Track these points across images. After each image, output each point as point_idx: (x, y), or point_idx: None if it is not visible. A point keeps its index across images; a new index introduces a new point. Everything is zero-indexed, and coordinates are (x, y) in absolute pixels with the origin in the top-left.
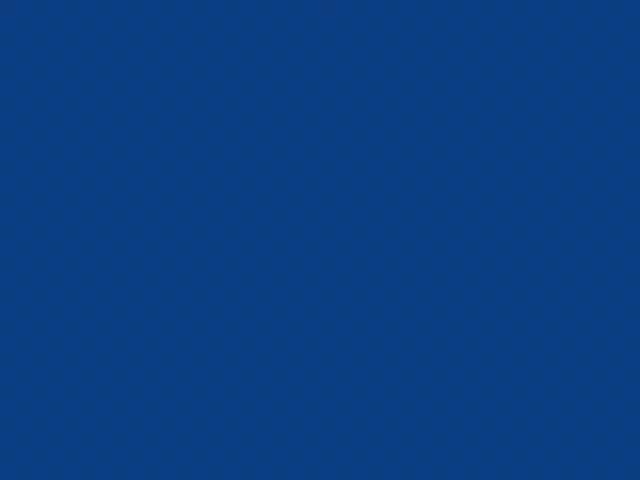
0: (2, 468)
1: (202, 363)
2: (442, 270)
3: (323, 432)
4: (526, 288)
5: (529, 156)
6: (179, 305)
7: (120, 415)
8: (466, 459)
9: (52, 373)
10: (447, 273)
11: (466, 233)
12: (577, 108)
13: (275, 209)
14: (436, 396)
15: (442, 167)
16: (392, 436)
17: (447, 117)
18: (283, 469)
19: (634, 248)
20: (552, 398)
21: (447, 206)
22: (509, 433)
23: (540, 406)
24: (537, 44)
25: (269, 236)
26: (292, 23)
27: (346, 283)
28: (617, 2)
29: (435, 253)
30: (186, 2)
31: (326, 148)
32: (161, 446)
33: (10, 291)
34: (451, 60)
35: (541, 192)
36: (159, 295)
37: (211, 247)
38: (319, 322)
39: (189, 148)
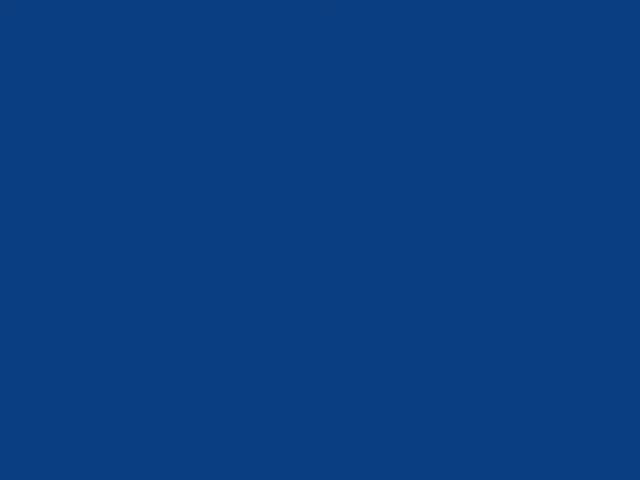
0: (2, 468)
1: (202, 363)
2: (442, 270)
3: (323, 432)
4: (526, 288)
5: (529, 156)
6: (179, 305)
7: (120, 415)
8: (466, 459)
9: (52, 373)
10: (447, 273)
11: (466, 233)
12: (577, 108)
13: (275, 209)
14: (435, 396)
15: (442, 167)
16: (392, 436)
17: (447, 117)
18: (283, 469)
19: (634, 248)
20: (552, 398)
21: (447, 206)
22: (509, 433)
23: (540, 406)
24: (537, 44)
25: (269, 236)
26: (291, 23)
27: (346, 283)
28: (617, 2)
29: (435, 253)
30: (186, 2)
31: (326, 148)
32: (161, 446)
33: (10, 291)
34: (451, 60)
35: (541, 192)
36: (159, 295)
37: (211, 247)
38: (319, 322)
39: (189, 148)
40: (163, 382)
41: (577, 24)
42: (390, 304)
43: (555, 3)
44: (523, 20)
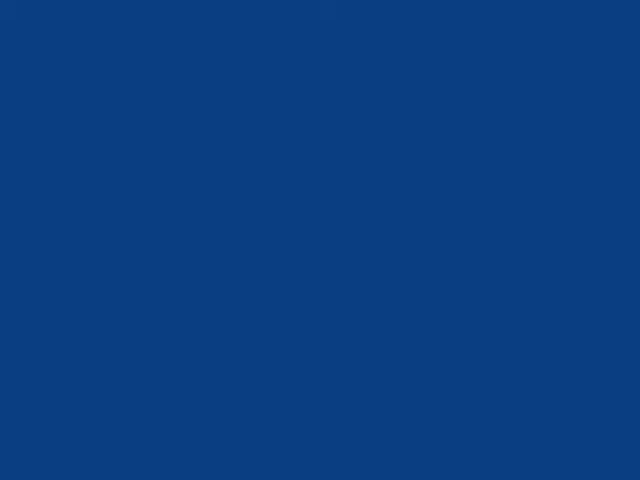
0: (2, 468)
1: (202, 363)
2: (442, 270)
3: (323, 432)
4: (526, 288)
5: (529, 157)
6: (179, 304)
7: (119, 415)
8: (466, 459)
9: (52, 372)
10: (447, 273)
11: (466, 233)
12: (577, 108)
13: (275, 209)
14: (435, 396)
15: (442, 168)
16: (392, 436)
17: (448, 118)
18: (283, 469)
19: (634, 248)
20: (552, 398)
21: (447, 206)
22: (509, 433)
23: (540, 406)
24: (537, 45)
25: (269, 236)
26: (291, 23)
27: (345, 283)
28: (617, 3)
29: (435, 253)
30: (186, 2)
31: (326, 148)
32: (161, 446)
33: (10, 291)
34: (452, 61)
35: (541, 192)
36: (159, 294)
37: (211, 246)
38: (318, 322)
39: (189, 147)
40: (163, 382)
41: (577, 24)
42: (390, 304)
43: (555, 3)
44: (523, 21)
